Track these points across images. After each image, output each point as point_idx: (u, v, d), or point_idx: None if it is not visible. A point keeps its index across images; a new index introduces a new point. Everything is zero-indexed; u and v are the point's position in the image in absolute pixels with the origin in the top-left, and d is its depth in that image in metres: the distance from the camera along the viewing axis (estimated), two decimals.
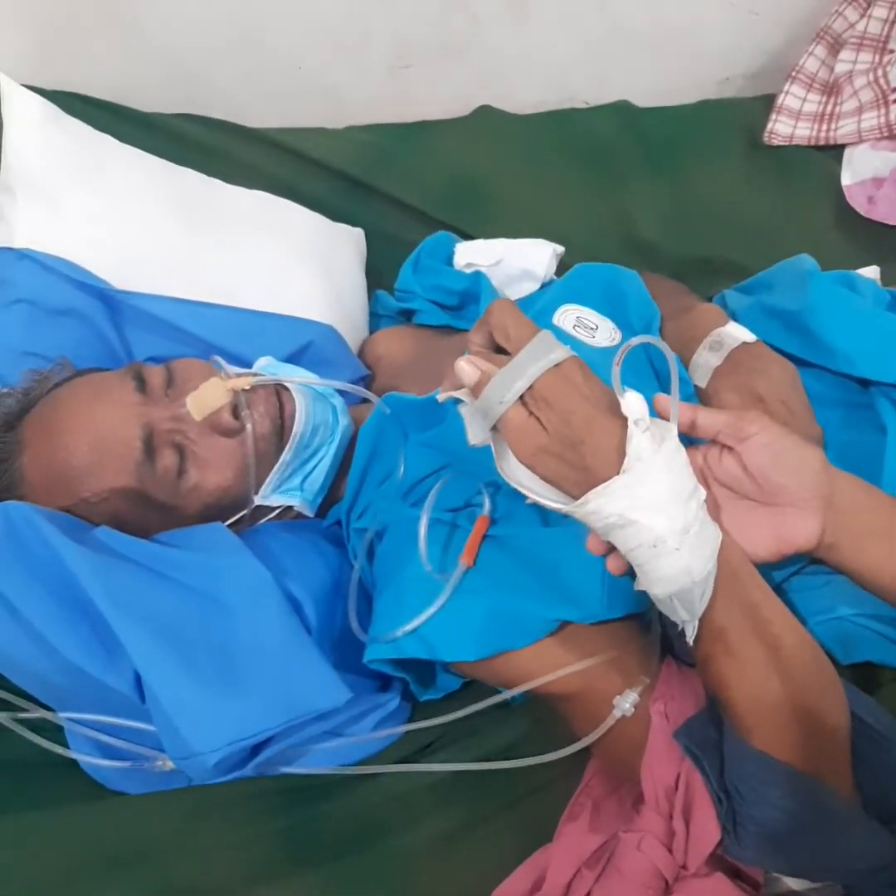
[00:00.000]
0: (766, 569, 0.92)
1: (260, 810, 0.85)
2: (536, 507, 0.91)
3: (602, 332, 1.07)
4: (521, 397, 0.67)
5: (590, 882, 0.81)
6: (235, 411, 0.92)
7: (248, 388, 0.92)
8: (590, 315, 1.10)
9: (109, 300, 1.12)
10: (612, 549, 0.72)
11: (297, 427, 0.94)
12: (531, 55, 1.68)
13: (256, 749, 0.83)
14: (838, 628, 0.94)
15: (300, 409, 0.95)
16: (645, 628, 0.87)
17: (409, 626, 0.84)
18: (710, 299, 1.26)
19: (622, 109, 1.69)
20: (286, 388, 0.96)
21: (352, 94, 1.65)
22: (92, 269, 1.12)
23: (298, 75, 1.61)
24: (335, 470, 1.01)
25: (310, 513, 1.00)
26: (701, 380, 1.02)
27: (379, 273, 1.41)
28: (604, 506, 0.66)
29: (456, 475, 0.94)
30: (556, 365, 0.67)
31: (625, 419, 0.66)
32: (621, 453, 0.65)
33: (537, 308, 1.13)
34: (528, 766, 0.83)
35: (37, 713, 0.87)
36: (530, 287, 1.28)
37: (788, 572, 0.95)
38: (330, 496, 1.03)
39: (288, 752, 0.85)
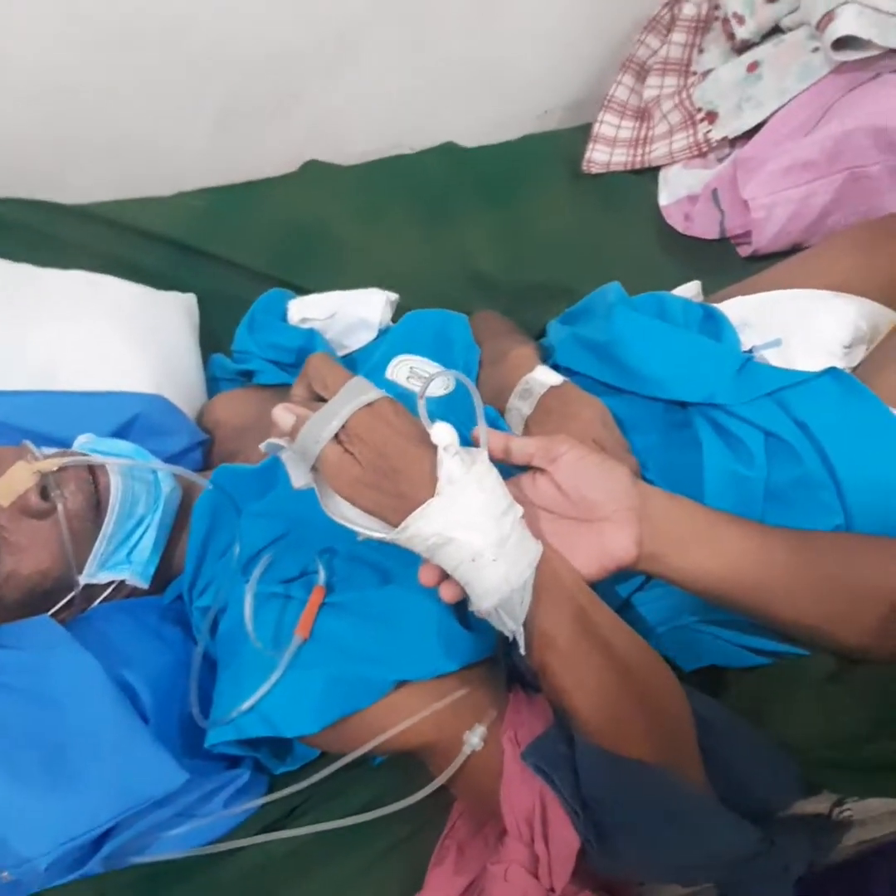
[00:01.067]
0: (608, 586, 0.95)
1: None
2: (373, 568, 0.93)
3: (436, 381, 1.09)
4: (337, 437, 0.72)
5: None
6: (45, 492, 0.90)
7: (55, 468, 0.90)
8: (423, 364, 1.12)
9: None
10: (444, 577, 0.76)
11: (114, 500, 0.93)
12: (353, 106, 1.70)
13: (99, 844, 0.80)
14: (680, 636, 0.97)
15: (115, 481, 0.94)
16: (490, 662, 0.88)
17: (245, 705, 0.83)
18: (542, 330, 1.29)
19: (448, 151, 1.73)
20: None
21: (178, 160, 1.65)
22: None
23: (120, 146, 1.59)
24: (164, 537, 0.99)
25: (143, 585, 0.98)
26: (516, 428, 1.05)
27: (218, 337, 1.41)
28: (422, 528, 0.71)
29: (289, 545, 0.95)
30: (369, 404, 0.73)
31: (435, 448, 0.71)
32: (434, 478, 0.71)
33: (373, 361, 1.14)
34: (394, 820, 0.83)
35: None
36: (367, 336, 1.28)
37: (631, 589, 0.97)
38: (167, 569, 1.01)
39: (136, 841, 0.82)
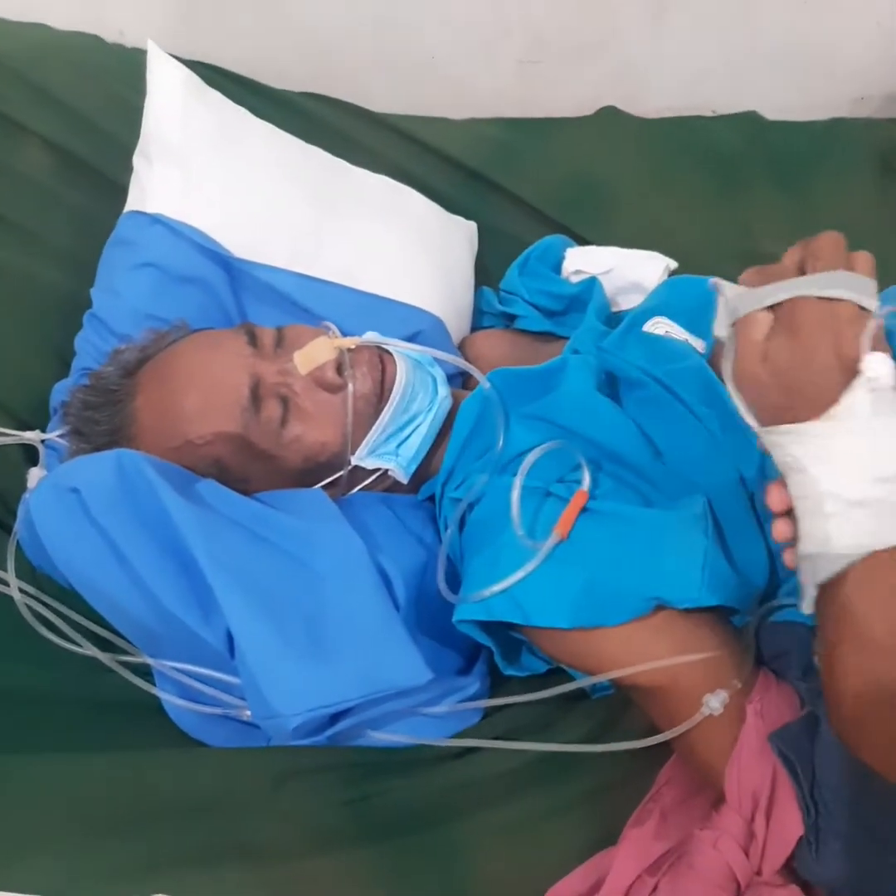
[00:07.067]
0: None
1: (335, 781, 0.86)
2: (637, 493, 0.92)
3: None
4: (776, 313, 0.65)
5: (650, 888, 0.81)
6: (339, 369, 0.95)
7: (352, 347, 0.96)
8: (678, 331, 1.09)
9: (232, 269, 1.15)
10: (789, 510, 0.66)
11: (397, 390, 0.97)
12: (665, 60, 1.67)
13: (335, 718, 0.84)
14: None
15: (401, 374, 0.98)
16: (738, 634, 0.87)
17: (499, 587, 0.84)
18: None
19: (750, 120, 1.66)
20: (389, 354, 0.99)
21: (478, 85, 1.67)
22: (218, 238, 1.15)
23: (428, 63, 1.64)
24: (431, 440, 1.02)
25: (404, 479, 1.01)
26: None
27: (488, 269, 1.41)
28: (787, 443, 0.63)
29: (555, 450, 0.93)
30: (831, 299, 0.63)
31: (855, 375, 0.61)
32: (833, 401, 0.61)
33: (631, 316, 1.12)
34: (603, 762, 0.84)
35: (137, 658, 0.91)
36: (638, 300, 1.25)
37: None
38: (424, 470, 1.04)
39: (363, 725, 0.86)
